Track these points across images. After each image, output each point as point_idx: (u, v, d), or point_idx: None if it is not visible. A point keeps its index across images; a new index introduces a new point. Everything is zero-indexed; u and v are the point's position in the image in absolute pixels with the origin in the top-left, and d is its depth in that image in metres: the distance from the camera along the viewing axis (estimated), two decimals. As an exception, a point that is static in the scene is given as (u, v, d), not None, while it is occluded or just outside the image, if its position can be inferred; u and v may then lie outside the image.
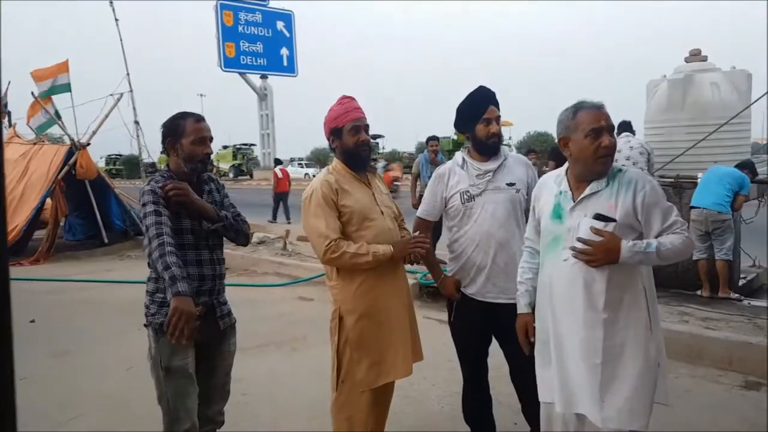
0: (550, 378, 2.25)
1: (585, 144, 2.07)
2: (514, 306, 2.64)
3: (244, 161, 44.92)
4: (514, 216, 2.83)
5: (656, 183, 2.25)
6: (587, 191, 2.12)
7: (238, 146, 47.04)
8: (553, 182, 2.26)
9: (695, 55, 6.85)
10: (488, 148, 2.84)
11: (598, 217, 2.07)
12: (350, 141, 2.71)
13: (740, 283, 6.42)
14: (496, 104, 2.86)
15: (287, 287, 7.56)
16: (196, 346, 2.48)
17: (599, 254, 2.02)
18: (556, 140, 2.28)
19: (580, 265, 2.08)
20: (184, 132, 2.44)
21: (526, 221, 2.90)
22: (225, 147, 46.21)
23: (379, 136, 41.24)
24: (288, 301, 6.82)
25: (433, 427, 3.49)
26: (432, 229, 3.12)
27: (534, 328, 2.38)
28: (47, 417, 3.64)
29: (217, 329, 2.56)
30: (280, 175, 15.45)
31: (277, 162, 17.39)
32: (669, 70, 7.10)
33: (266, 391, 4.10)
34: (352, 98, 2.80)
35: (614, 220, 2.07)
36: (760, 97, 6.04)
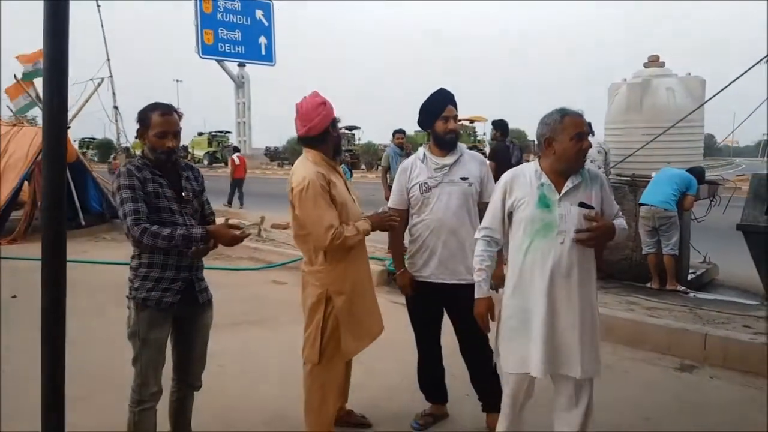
0: (526, 350, 2.53)
1: (570, 145, 2.46)
2: (464, 286, 3.00)
3: (219, 149, 44.73)
4: (465, 207, 3.18)
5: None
6: (569, 184, 2.49)
7: (213, 133, 46.77)
8: (533, 177, 2.56)
9: (653, 61, 7.25)
10: (446, 143, 3.19)
11: (582, 205, 2.48)
12: (335, 133, 3.03)
13: (690, 277, 6.86)
14: (454, 104, 3.22)
15: (262, 271, 7.83)
16: (174, 320, 2.72)
17: (603, 236, 2.49)
18: (539, 139, 2.58)
19: (574, 246, 2.46)
20: (150, 123, 2.58)
21: (478, 212, 3.24)
22: (200, 134, 45.97)
23: (355, 128, 41.41)
24: (262, 285, 7.09)
25: (392, 399, 3.80)
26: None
27: (492, 310, 2.70)
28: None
29: (196, 303, 2.76)
30: (237, 162, 16.38)
31: (235, 150, 18.80)
32: (629, 74, 7.49)
33: (240, 362, 4.40)
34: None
35: (593, 207, 2.49)
36: (708, 99, 6.47)
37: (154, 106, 2.62)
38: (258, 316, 5.66)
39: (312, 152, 2.99)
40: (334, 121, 3.03)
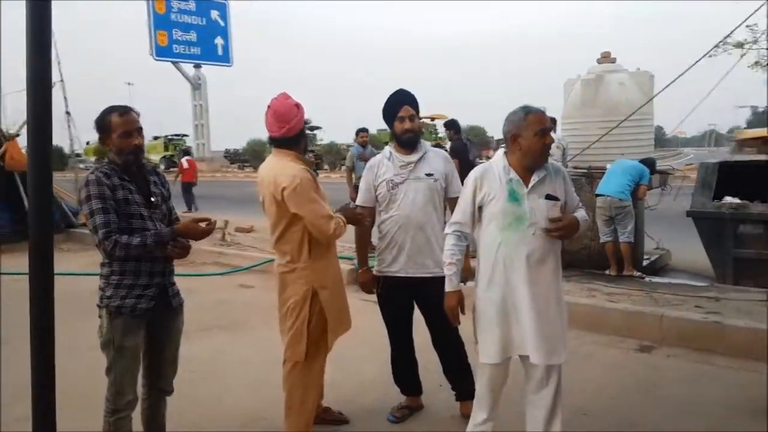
0: (508, 338, 2.65)
1: (534, 141, 2.58)
2: (433, 279, 3.12)
3: (176, 152, 43.87)
4: (432, 202, 3.29)
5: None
6: (536, 178, 2.62)
7: (169, 137, 45.83)
8: (501, 172, 2.67)
9: (605, 58, 7.54)
10: (404, 142, 3.30)
11: (548, 197, 2.62)
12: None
13: (644, 263, 7.16)
14: (412, 104, 3.31)
15: (228, 276, 7.78)
16: (147, 325, 2.71)
17: (569, 230, 2.64)
18: (505, 136, 2.70)
19: (544, 236, 2.60)
20: (111, 127, 2.56)
21: (445, 208, 3.35)
22: (156, 138, 44.96)
23: (317, 128, 41.24)
24: (229, 289, 7.05)
25: (367, 394, 3.88)
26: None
27: (462, 303, 2.80)
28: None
29: (169, 308, 2.77)
30: (186, 165, 16.07)
31: (185, 153, 18.52)
32: (584, 70, 7.76)
33: (212, 368, 4.39)
34: None
35: (559, 199, 2.64)
36: (657, 93, 6.77)
37: (111, 109, 2.60)
38: (227, 321, 5.65)
39: (289, 152, 3.03)
40: (306, 122, 3.12)
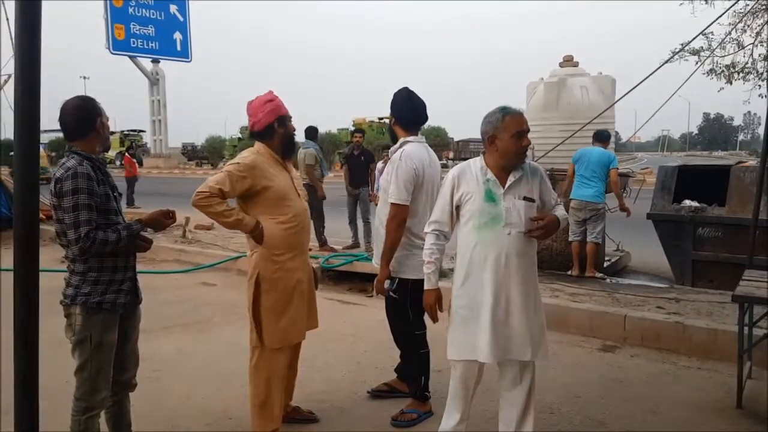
0: (474, 338, 2.64)
1: (511, 143, 2.59)
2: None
3: (132, 148, 42.80)
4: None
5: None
6: (512, 178, 2.63)
7: (125, 132, 44.75)
8: (478, 173, 2.67)
9: (568, 61, 7.66)
10: None
11: (526, 199, 2.63)
12: (291, 129, 3.13)
13: (606, 264, 7.31)
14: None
15: (190, 274, 7.61)
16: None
17: (550, 229, 2.66)
18: (483, 136, 2.70)
19: (521, 236, 2.61)
20: (100, 121, 2.59)
21: None
22: (111, 133, 43.84)
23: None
24: (191, 287, 6.89)
25: (335, 393, 3.83)
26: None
27: (441, 301, 2.80)
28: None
29: (136, 301, 2.75)
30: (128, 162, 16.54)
31: (129, 148, 19.60)
32: (546, 73, 7.88)
33: (176, 367, 4.27)
34: None
35: (534, 200, 2.66)
36: (620, 98, 6.92)
37: (94, 106, 2.59)
38: (190, 319, 5.50)
39: (260, 145, 3.10)
40: (282, 118, 3.08)
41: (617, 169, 6.72)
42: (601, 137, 6.82)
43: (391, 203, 3.21)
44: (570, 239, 6.77)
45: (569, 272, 6.78)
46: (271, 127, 3.05)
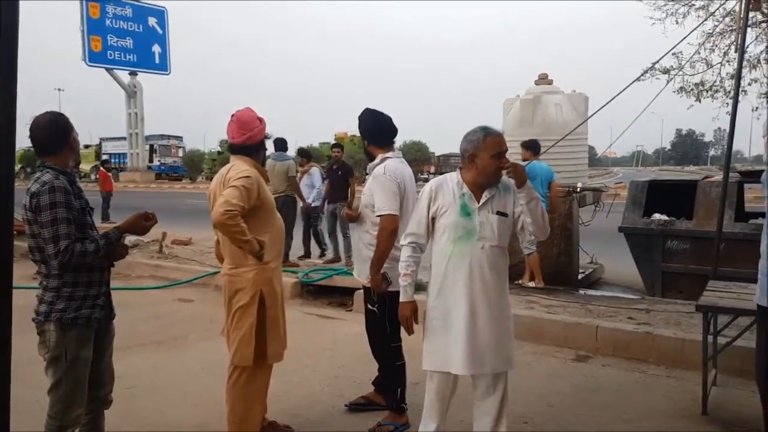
0: (446, 349, 2.70)
1: (490, 162, 2.67)
2: None
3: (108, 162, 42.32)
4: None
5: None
6: (487, 195, 2.71)
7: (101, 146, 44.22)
8: (455, 187, 2.75)
9: (543, 79, 7.85)
10: None
11: (499, 213, 2.71)
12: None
13: (579, 276, 7.44)
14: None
15: (166, 290, 7.55)
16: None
17: (517, 169, 2.67)
18: (463, 154, 2.77)
19: (494, 250, 2.69)
20: (72, 138, 2.64)
21: None
22: (87, 146, 43.26)
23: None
24: (167, 303, 6.84)
25: (312, 407, 3.85)
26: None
27: (416, 313, 2.85)
28: None
29: (111, 315, 2.75)
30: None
31: (104, 162, 19.60)
32: (522, 90, 8.05)
33: (151, 384, 4.24)
34: None
35: (507, 215, 2.74)
36: (591, 115, 7.11)
37: (67, 122, 2.62)
38: (165, 336, 5.47)
39: (247, 158, 3.12)
40: (267, 137, 3.21)
41: (555, 181, 6.87)
42: (532, 146, 6.87)
43: (381, 216, 3.25)
44: (526, 253, 6.83)
45: (519, 281, 6.87)
46: (262, 143, 3.18)
